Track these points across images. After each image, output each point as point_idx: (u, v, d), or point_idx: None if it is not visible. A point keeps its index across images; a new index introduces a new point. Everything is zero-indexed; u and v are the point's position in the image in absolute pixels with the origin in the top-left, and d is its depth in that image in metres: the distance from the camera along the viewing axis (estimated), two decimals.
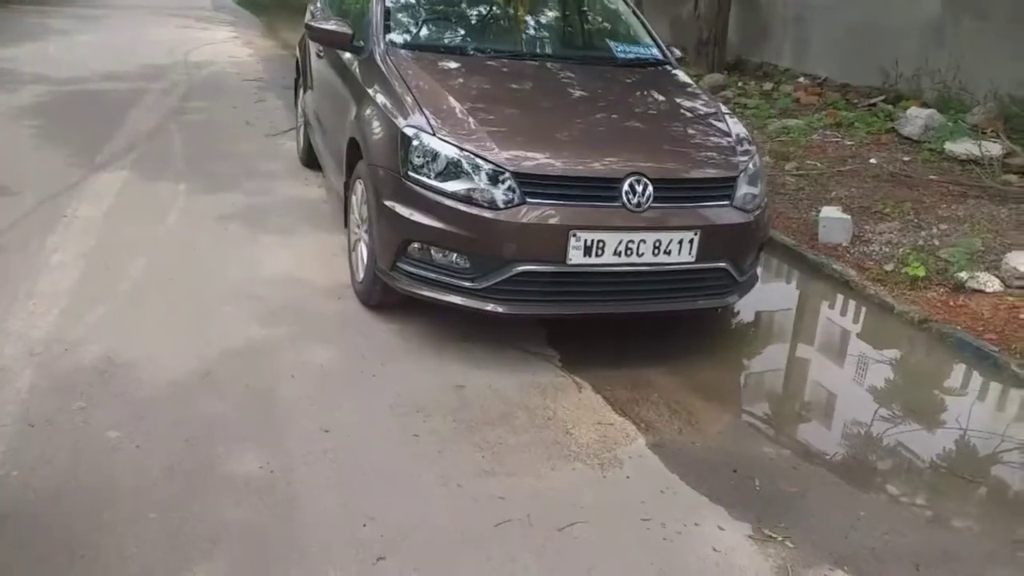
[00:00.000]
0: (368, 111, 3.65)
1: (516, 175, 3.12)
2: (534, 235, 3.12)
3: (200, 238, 4.51)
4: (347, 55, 4.23)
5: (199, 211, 4.94)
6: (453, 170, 3.18)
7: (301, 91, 6.05)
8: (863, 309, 4.25)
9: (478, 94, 3.66)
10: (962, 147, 6.06)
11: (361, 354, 3.37)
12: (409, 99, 3.44)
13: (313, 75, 5.35)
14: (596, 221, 3.15)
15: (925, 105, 8.18)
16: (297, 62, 6.17)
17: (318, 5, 5.82)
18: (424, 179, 3.22)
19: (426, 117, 3.32)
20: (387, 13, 4.10)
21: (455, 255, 3.22)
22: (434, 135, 3.24)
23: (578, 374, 3.33)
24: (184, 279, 3.94)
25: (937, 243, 4.66)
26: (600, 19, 4.51)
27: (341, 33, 4.07)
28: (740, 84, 9.47)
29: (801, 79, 9.55)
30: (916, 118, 6.63)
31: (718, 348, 3.77)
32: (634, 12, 4.57)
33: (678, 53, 4.45)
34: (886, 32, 8.76)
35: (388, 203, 3.31)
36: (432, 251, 3.26)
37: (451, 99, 3.50)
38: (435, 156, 3.21)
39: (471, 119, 3.36)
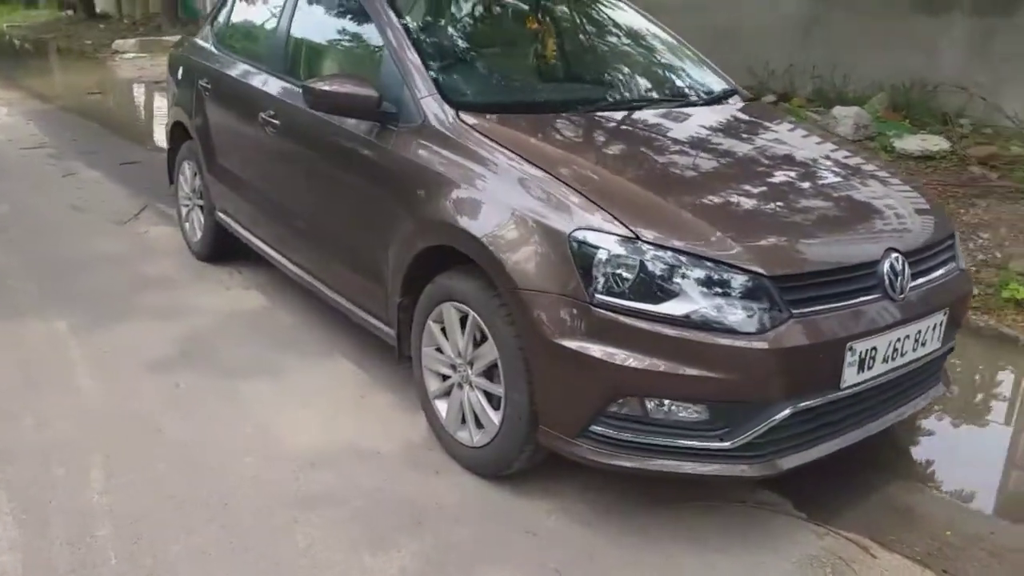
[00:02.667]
0: (464, 209, 2.49)
1: (773, 279, 2.17)
2: (806, 360, 2.19)
3: (150, 410, 3.03)
4: (357, 125, 2.97)
5: (114, 361, 3.40)
6: (671, 283, 2.15)
7: (189, 162, 4.55)
8: (991, 346, 3.74)
9: (630, 166, 2.62)
10: (914, 144, 5.88)
11: (552, 567, 2.25)
12: (561, 187, 2.35)
13: (230, 139, 3.95)
14: (868, 323, 2.27)
15: (810, 101, 8.14)
16: (174, 124, 4.64)
17: (205, 45, 4.37)
18: (627, 303, 2.16)
19: (605, 211, 2.25)
20: (424, 56, 2.91)
21: (685, 407, 2.20)
22: (634, 237, 2.19)
23: (845, 528, 2.44)
24: (184, 500, 2.52)
25: (999, 255, 4.30)
26: (647, 47, 3.58)
27: (364, 97, 2.81)
28: None
29: None
30: (845, 117, 6.41)
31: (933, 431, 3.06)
32: (667, 32, 3.72)
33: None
34: (751, 32, 8.64)
35: (568, 344, 2.21)
36: (648, 405, 2.22)
37: (616, 178, 2.46)
38: (641, 267, 2.16)
39: (665, 203, 2.35)
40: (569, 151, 2.64)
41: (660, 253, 2.16)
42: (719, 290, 2.14)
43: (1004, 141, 6.25)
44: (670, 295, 2.15)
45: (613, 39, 3.52)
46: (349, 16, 3.36)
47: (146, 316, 3.86)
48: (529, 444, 2.43)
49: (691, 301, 2.14)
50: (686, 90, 3.33)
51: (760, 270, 2.16)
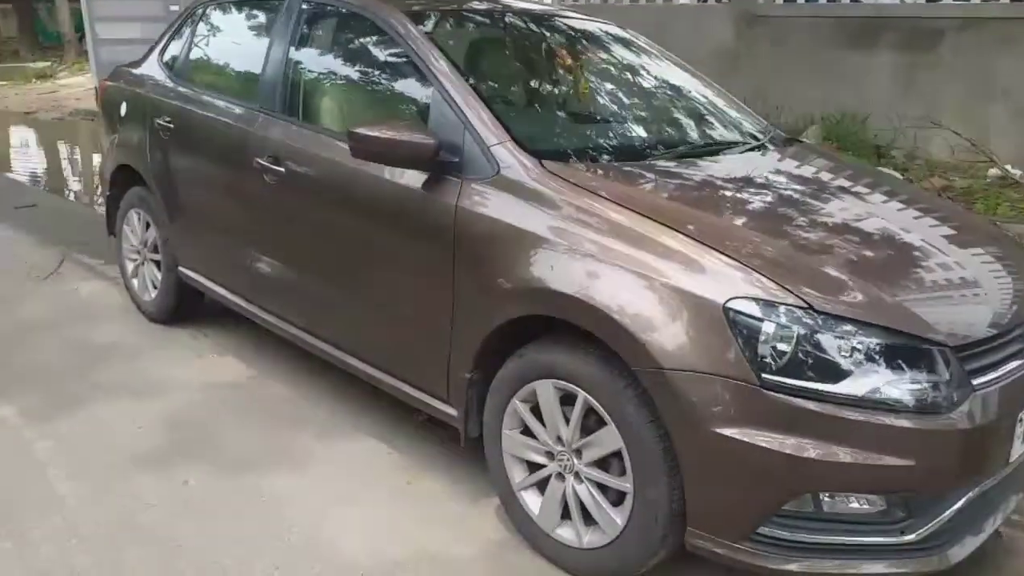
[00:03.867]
0: (575, 274, 2.14)
1: (954, 348, 1.96)
2: (990, 437, 1.98)
3: (161, 521, 2.50)
4: (401, 176, 2.58)
5: (92, 456, 2.82)
6: (849, 358, 1.90)
7: (137, 211, 3.96)
8: None
9: (758, 221, 2.34)
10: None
11: None
12: (699, 248, 2.05)
13: (205, 187, 3.44)
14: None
15: None
16: (117, 168, 4.03)
17: (156, 77, 3.82)
18: (801, 383, 1.88)
19: (762, 275, 1.97)
20: (484, 98, 2.55)
21: (861, 499, 1.95)
22: (806, 306, 1.92)
23: None
24: None
25: None
26: (686, 88, 3.33)
27: (422, 145, 2.43)
28: None
29: None
30: None
31: None
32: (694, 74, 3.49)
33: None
34: None
35: (733, 433, 1.91)
36: (823, 499, 1.95)
37: (754, 236, 2.18)
38: (814, 341, 1.90)
39: (818, 264, 2.09)
40: (682, 203, 2.36)
41: (836, 324, 1.90)
42: (901, 364, 1.91)
43: (943, 173, 6.47)
44: (845, 373, 1.89)
45: (653, 80, 3.26)
46: (372, 48, 2.96)
47: (111, 395, 3.27)
48: (664, 547, 2.11)
49: (870, 378, 1.89)
50: (742, 132, 3.12)
51: (944, 340, 1.94)
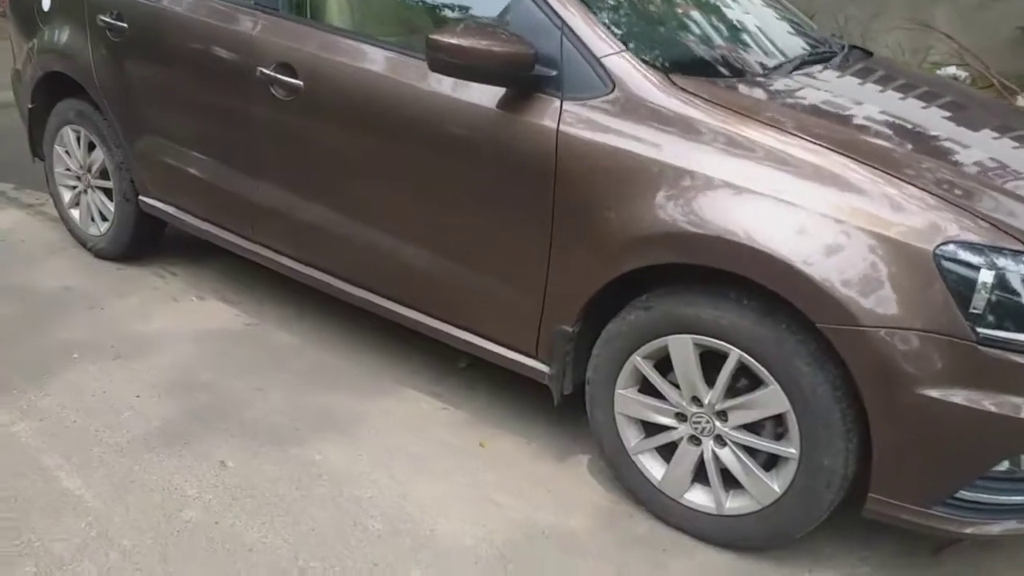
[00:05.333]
0: (734, 214, 1.81)
1: None
2: None
3: (213, 518, 2.08)
4: (473, 93, 2.14)
5: (94, 438, 2.33)
6: None
7: (74, 128, 3.28)
8: None
9: (924, 147, 2.04)
10: None
11: None
12: (891, 181, 1.76)
13: (184, 102, 2.85)
14: None
15: None
16: (44, 75, 3.30)
17: None
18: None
19: (973, 215, 1.72)
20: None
21: None
22: None
23: None
24: None
25: None
26: None
27: (521, 56, 1.99)
28: None
29: None
30: None
31: None
32: None
33: None
34: None
35: (943, 395, 1.68)
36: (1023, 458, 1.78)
37: (935, 164, 1.90)
38: None
39: (1014, 196, 1.85)
40: (840, 126, 2.05)
41: None
42: None
43: None
44: None
45: None
46: None
47: (88, 357, 2.73)
48: (826, 513, 1.91)
49: None
50: (818, 40, 2.80)
51: None
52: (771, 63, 2.37)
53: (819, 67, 2.46)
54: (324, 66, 2.40)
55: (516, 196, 2.12)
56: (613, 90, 2.00)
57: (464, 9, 2.33)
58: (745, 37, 2.48)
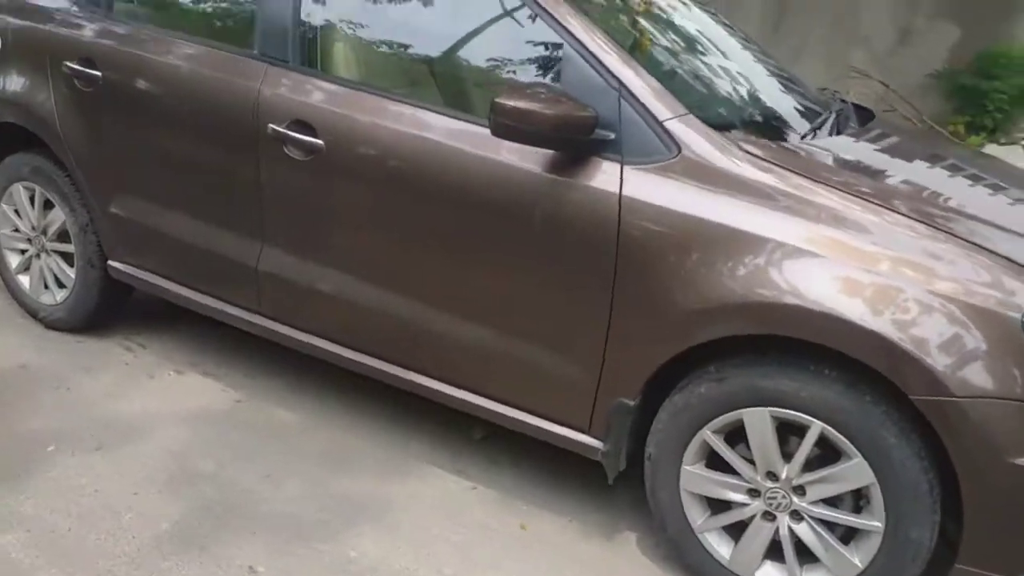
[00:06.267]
0: (814, 283, 1.76)
1: None
2: None
3: None
4: (521, 156, 2.03)
5: (89, 546, 2.06)
6: None
7: (26, 186, 2.97)
8: None
9: (973, 210, 2.06)
10: None
11: None
12: (972, 252, 1.74)
13: (172, 160, 2.61)
14: None
15: None
16: None
17: (61, 4, 2.84)
18: None
19: None
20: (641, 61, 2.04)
21: None
22: None
23: None
24: None
25: None
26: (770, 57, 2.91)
27: (580, 118, 1.89)
28: None
29: None
30: None
31: None
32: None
33: None
34: None
35: None
36: None
37: (997, 230, 1.91)
38: None
39: None
40: (902, 191, 2.05)
41: None
42: None
43: None
44: None
45: (741, 46, 2.81)
46: None
47: (66, 450, 2.44)
48: None
49: None
50: (820, 101, 2.81)
51: None
52: (803, 126, 2.35)
53: (850, 130, 2.47)
54: (348, 125, 2.24)
55: (572, 262, 2.02)
56: (679, 154, 1.93)
57: (508, 64, 2.22)
58: (780, 98, 2.47)
